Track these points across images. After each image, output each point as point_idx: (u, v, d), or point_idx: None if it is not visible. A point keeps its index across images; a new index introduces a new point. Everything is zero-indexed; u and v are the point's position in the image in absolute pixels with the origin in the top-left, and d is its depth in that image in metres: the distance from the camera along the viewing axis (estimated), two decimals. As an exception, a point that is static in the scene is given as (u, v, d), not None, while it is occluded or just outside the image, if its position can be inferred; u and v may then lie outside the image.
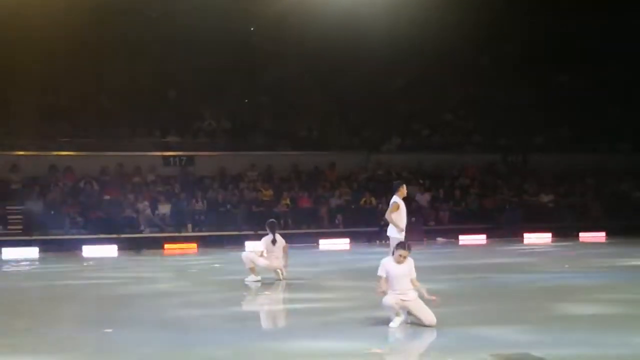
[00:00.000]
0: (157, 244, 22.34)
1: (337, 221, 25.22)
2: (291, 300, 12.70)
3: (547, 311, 10.55)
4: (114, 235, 22.67)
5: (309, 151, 27.70)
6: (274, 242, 13.98)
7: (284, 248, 14.06)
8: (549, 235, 24.96)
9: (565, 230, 25.31)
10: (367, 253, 19.91)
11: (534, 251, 21.47)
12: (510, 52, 30.62)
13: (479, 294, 12.43)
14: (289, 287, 13.64)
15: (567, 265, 16.78)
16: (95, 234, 22.72)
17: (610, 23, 29.26)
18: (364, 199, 25.67)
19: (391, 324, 9.20)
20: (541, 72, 30.90)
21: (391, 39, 28.32)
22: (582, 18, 29.55)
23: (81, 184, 24.65)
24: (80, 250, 21.62)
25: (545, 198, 27.65)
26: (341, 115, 29.46)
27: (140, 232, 23.35)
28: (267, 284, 13.84)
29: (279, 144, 28.03)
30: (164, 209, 23.92)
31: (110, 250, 21.56)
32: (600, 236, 25.33)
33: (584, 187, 28.66)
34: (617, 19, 29.12)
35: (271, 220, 14.53)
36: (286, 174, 27.00)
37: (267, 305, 12.54)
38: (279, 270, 14.06)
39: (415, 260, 9.56)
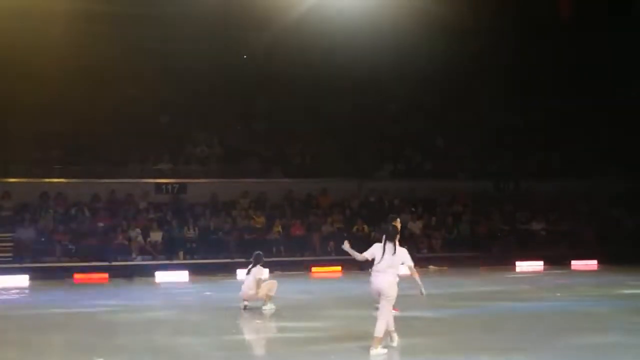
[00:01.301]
0: (148, 272, 22.21)
1: (329, 248, 25.13)
2: (283, 329, 12.62)
3: (541, 339, 10.53)
4: (106, 263, 22.55)
5: (301, 178, 27.69)
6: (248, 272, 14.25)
7: (257, 281, 14.09)
8: (541, 263, 24.92)
9: (557, 259, 25.26)
10: (359, 281, 19.81)
11: (526, 279, 21.43)
12: (500, 78, 30.78)
13: (472, 322, 12.40)
14: (281, 315, 13.59)
15: (559, 294, 16.77)
16: (86, 262, 22.60)
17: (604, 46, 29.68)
18: (356, 227, 25.63)
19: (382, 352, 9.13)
20: (532, 98, 31.07)
21: (382, 65, 28.50)
22: (573, 45, 29.95)
23: (73, 211, 24.54)
24: (72, 277, 21.48)
25: (537, 226, 27.65)
26: (333, 142, 29.49)
27: (132, 259, 23.24)
28: (258, 312, 13.79)
29: (271, 171, 28.02)
30: (156, 236, 23.81)
31: (101, 278, 21.43)
32: (592, 264, 25.31)
33: (576, 214, 28.66)
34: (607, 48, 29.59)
35: (257, 252, 14.61)
36: (279, 201, 26.96)
37: (259, 334, 12.50)
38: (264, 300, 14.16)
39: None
